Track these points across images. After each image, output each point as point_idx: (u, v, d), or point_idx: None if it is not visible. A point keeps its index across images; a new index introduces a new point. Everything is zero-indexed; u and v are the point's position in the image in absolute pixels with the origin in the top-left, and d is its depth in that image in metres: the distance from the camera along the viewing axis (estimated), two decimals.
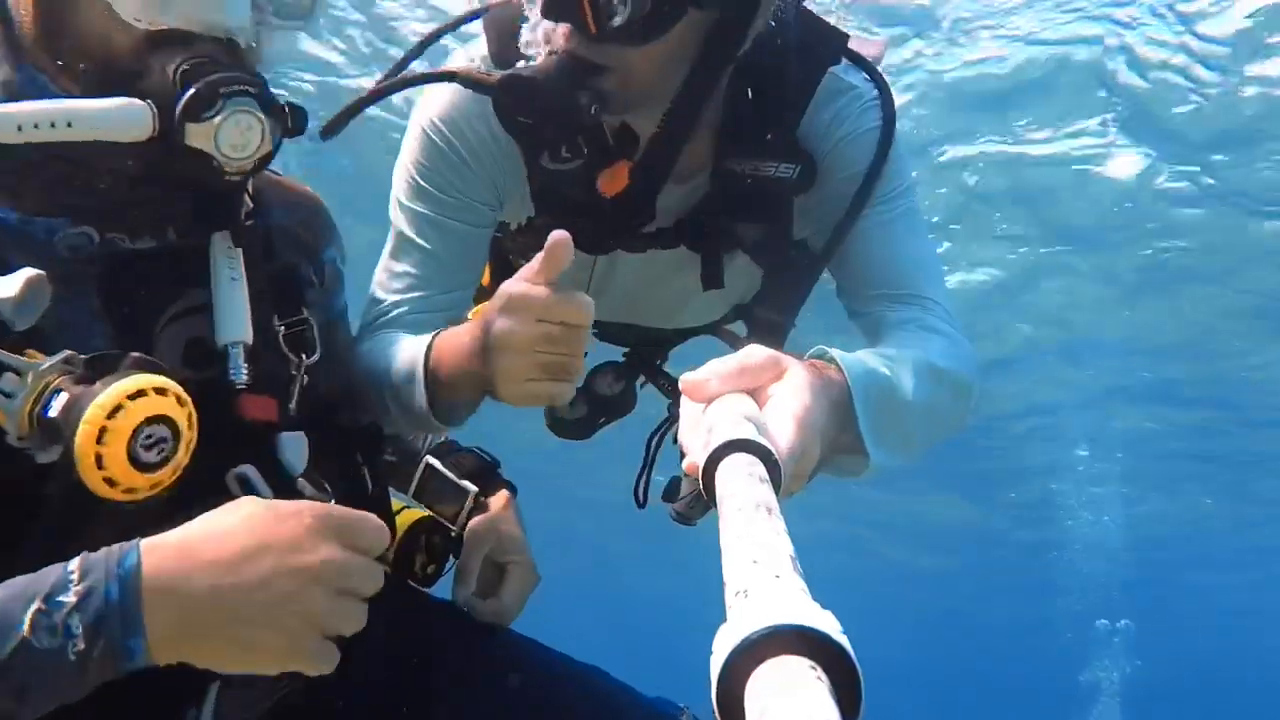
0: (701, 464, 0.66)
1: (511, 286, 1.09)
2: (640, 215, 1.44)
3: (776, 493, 0.60)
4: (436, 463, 1.60)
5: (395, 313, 1.47)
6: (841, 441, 1.02)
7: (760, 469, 0.62)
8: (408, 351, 1.32)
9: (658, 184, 1.40)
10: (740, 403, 0.78)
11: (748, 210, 1.50)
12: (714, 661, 0.39)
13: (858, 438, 1.03)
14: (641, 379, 1.97)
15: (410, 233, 1.48)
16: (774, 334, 1.58)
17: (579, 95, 1.24)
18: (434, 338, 1.29)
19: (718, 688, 0.38)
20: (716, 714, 0.39)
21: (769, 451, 0.64)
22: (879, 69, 1.51)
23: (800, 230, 1.55)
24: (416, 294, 1.48)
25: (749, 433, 0.66)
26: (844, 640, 0.38)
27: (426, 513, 1.54)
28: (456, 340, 1.23)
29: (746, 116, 1.43)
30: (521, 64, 1.30)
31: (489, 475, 1.63)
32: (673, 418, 1.86)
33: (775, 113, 1.43)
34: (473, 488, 1.59)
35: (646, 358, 1.94)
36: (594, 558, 17.55)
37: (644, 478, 1.94)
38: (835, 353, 1.05)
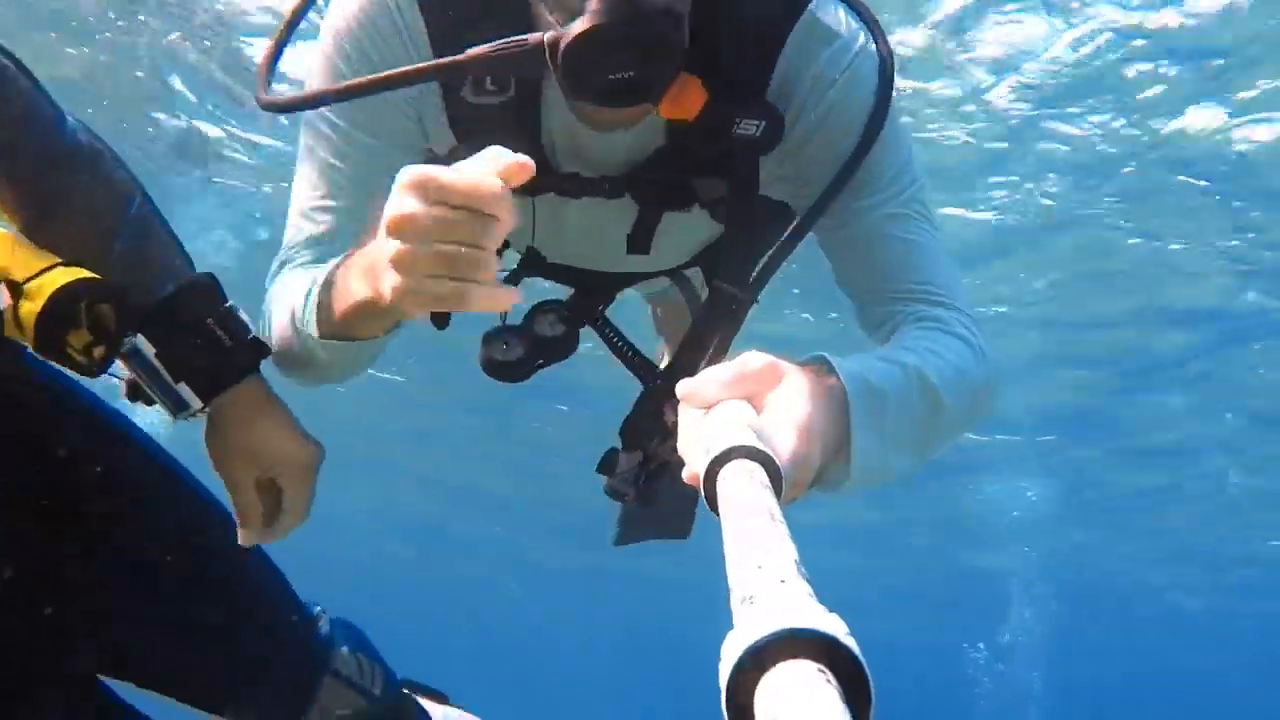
0: (703, 471, 0.66)
1: (410, 167, 0.91)
2: (695, 153, 1.30)
3: (778, 499, 0.60)
4: (145, 349, 1.31)
5: (307, 249, 1.34)
6: (841, 450, 0.99)
7: (762, 475, 0.62)
8: (304, 281, 1.22)
9: (737, 107, 1.25)
10: (739, 409, 0.78)
11: (703, 165, 1.36)
12: (722, 668, 0.39)
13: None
14: (584, 323, 1.76)
15: (329, 158, 1.33)
16: (730, 309, 1.41)
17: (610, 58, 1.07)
18: (333, 263, 1.17)
19: (727, 694, 0.38)
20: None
21: (770, 458, 0.64)
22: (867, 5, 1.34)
23: (775, 193, 1.43)
24: (332, 224, 1.33)
25: (750, 439, 0.66)
26: (852, 643, 0.38)
27: (84, 273, 1.19)
28: (348, 259, 1.11)
29: (718, 64, 1.25)
30: None
31: (224, 364, 1.33)
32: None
33: (741, 59, 1.28)
34: (195, 401, 1.32)
35: (593, 300, 1.76)
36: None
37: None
38: (834, 359, 1.02)
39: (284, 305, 1.28)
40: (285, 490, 1.36)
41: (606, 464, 1.64)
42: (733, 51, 1.26)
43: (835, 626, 0.38)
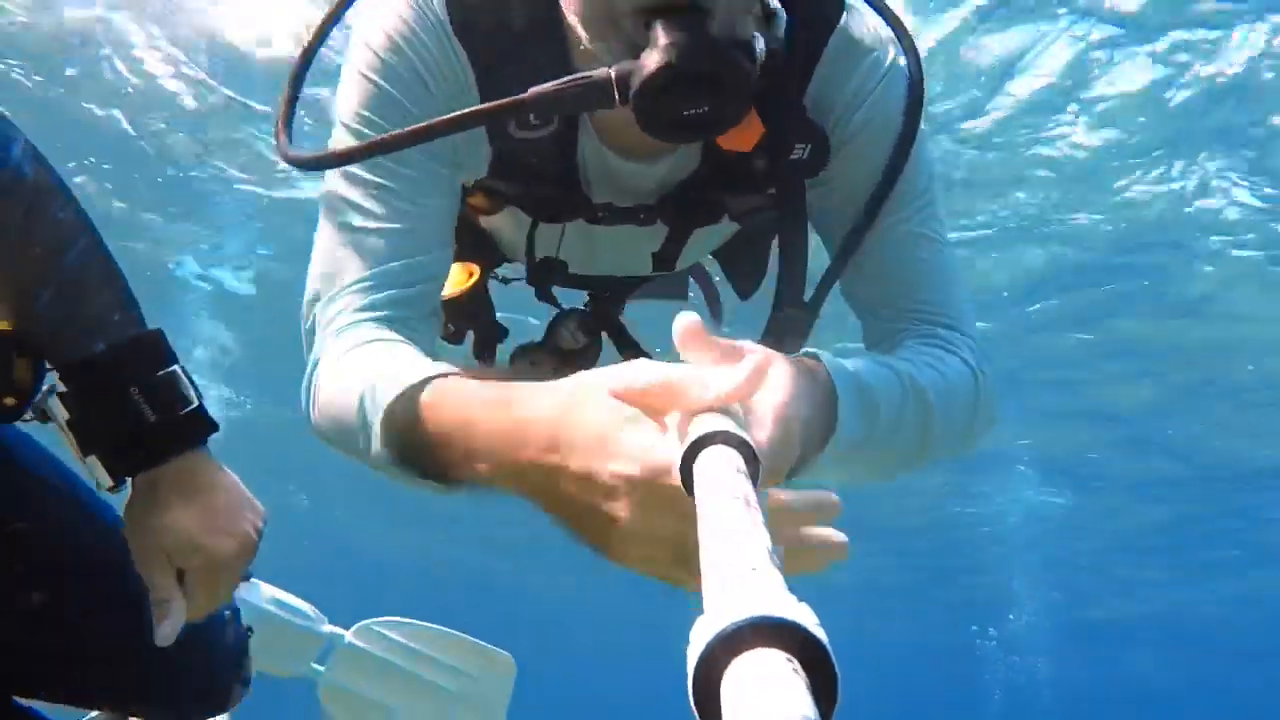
0: (679, 457, 0.66)
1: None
2: (762, 178, 1.27)
3: (755, 485, 0.60)
4: (58, 412, 1.18)
5: (356, 296, 1.17)
6: (825, 442, 0.97)
7: (739, 461, 0.62)
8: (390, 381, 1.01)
9: (789, 135, 1.23)
10: (714, 398, 0.78)
11: (744, 187, 1.33)
12: (690, 654, 0.38)
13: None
14: (604, 330, 1.74)
15: (371, 178, 1.20)
16: (796, 329, 1.35)
17: (673, 104, 1.03)
18: (430, 377, 0.97)
19: (694, 680, 0.38)
20: (693, 707, 0.39)
21: (748, 443, 0.64)
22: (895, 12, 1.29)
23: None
24: (383, 266, 1.19)
25: (727, 425, 0.66)
26: (821, 633, 0.38)
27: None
28: (494, 409, 0.87)
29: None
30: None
31: (140, 442, 1.19)
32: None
33: (778, 79, 1.20)
34: (104, 478, 1.21)
35: (611, 303, 1.75)
36: None
37: None
38: (824, 354, 1.01)
39: (350, 390, 1.07)
40: (188, 584, 1.24)
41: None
42: (779, 70, 1.19)
43: (805, 616, 0.38)
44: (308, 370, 1.19)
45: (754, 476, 0.62)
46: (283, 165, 1.33)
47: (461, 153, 1.28)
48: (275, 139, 1.21)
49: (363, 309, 1.17)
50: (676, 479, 0.66)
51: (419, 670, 2.46)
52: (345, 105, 1.22)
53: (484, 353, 1.72)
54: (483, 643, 2.55)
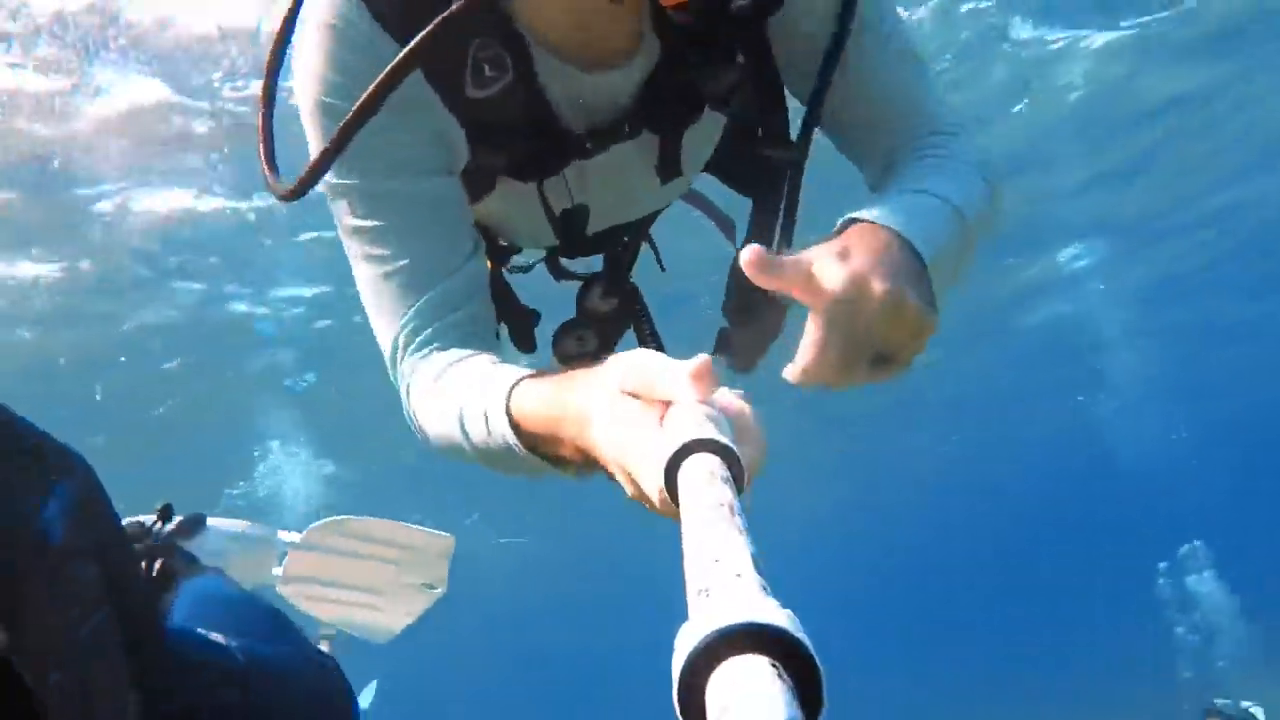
0: (663, 465, 0.66)
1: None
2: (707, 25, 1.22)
3: (739, 492, 0.60)
4: None
5: (416, 342, 1.21)
6: (912, 262, 1.03)
7: (722, 469, 0.62)
8: (480, 415, 1.06)
9: None
10: (697, 406, 0.78)
11: (712, 56, 1.31)
12: (675, 660, 0.38)
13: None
14: (625, 288, 1.74)
15: (364, 224, 1.21)
16: (785, 174, 1.41)
17: None
18: (509, 405, 1.02)
19: (679, 687, 0.38)
20: (678, 713, 0.39)
21: (731, 450, 0.64)
22: None
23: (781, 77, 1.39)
24: (420, 300, 1.21)
25: (710, 433, 0.66)
26: (804, 638, 0.38)
27: None
28: (548, 412, 0.96)
29: None
30: None
31: None
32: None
33: None
34: None
35: (623, 261, 1.75)
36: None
37: None
38: (873, 215, 1.06)
39: (454, 419, 1.13)
40: None
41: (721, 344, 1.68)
42: None
43: (789, 622, 0.38)
44: (407, 414, 1.26)
45: (738, 483, 0.62)
46: None
47: (444, 149, 1.27)
48: (265, 179, 1.23)
49: (425, 343, 1.22)
50: (662, 491, 0.67)
51: (364, 553, 2.66)
52: (311, 145, 1.21)
53: (523, 342, 1.70)
54: (423, 528, 2.74)
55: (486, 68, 1.21)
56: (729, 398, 0.77)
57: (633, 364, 0.82)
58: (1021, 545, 34.50)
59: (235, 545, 2.31)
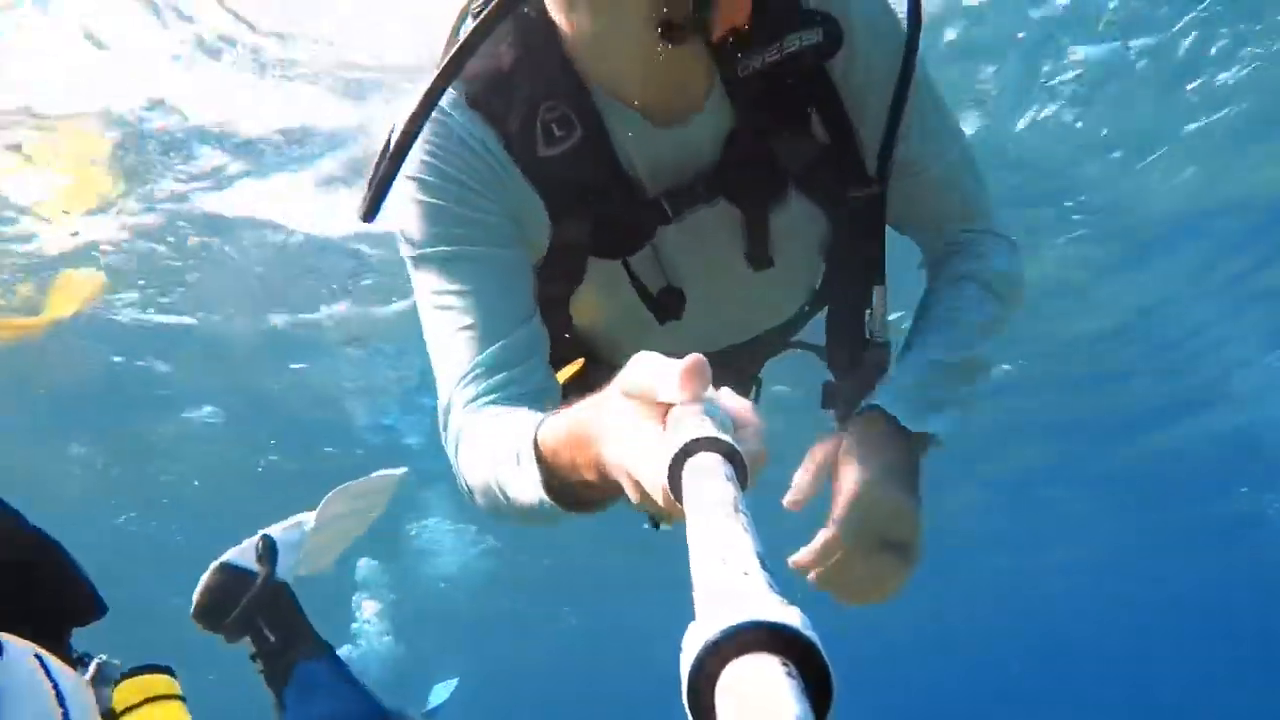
0: (666, 465, 0.66)
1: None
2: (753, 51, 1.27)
3: (743, 489, 0.60)
4: None
5: (468, 398, 1.27)
6: (914, 454, 1.35)
7: (726, 466, 0.62)
8: (512, 454, 1.09)
9: (785, 21, 1.28)
10: (697, 407, 0.78)
11: (785, 109, 1.35)
12: (683, 660, 0.38)
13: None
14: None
15: (441, 285, 1.30)
16: (866, 206, 1.45)
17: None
18: (536, 436, 1.05)
19: (688, 687, 0.38)
20: (688, 713, 0.39)
21: (734, 449, 0.64)
22: None
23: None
24: (477, 358, 1.27)
25: (711, 431, 0.66)
26: (813, 635, 0.38)
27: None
28: (571, 439, 0.98)
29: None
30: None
31: None
32: None
33: None
34: None
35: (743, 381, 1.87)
36: None
37: None
38: (879, 404, 1.35)
39: (490, 462, 1.17)
40: None
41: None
42: None
43: (797, 620, 0.38)
44: (454, 469, 1.29)
45: (742, 481, 0.62)
46: None
47: (519, 225, 1.35)
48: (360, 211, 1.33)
49: (477, 396, 1.26)
50: (665, 492, 0.67)
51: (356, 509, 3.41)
52: (405, 231, 1.33)
53: None
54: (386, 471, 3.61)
55: (555, 127, 1.29)
56: (729, 396, 0.77)
57: (631, 370, 0.82)
58: None
59: (297, 548, 2.89)
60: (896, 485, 1.27)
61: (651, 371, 0.79)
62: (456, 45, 1.19)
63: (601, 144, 1.32)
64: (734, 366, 1.82)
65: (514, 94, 1.29)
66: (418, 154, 1.30)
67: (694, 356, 0.76)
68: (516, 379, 1.28)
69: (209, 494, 10.59)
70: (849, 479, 1.26)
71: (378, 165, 1.26)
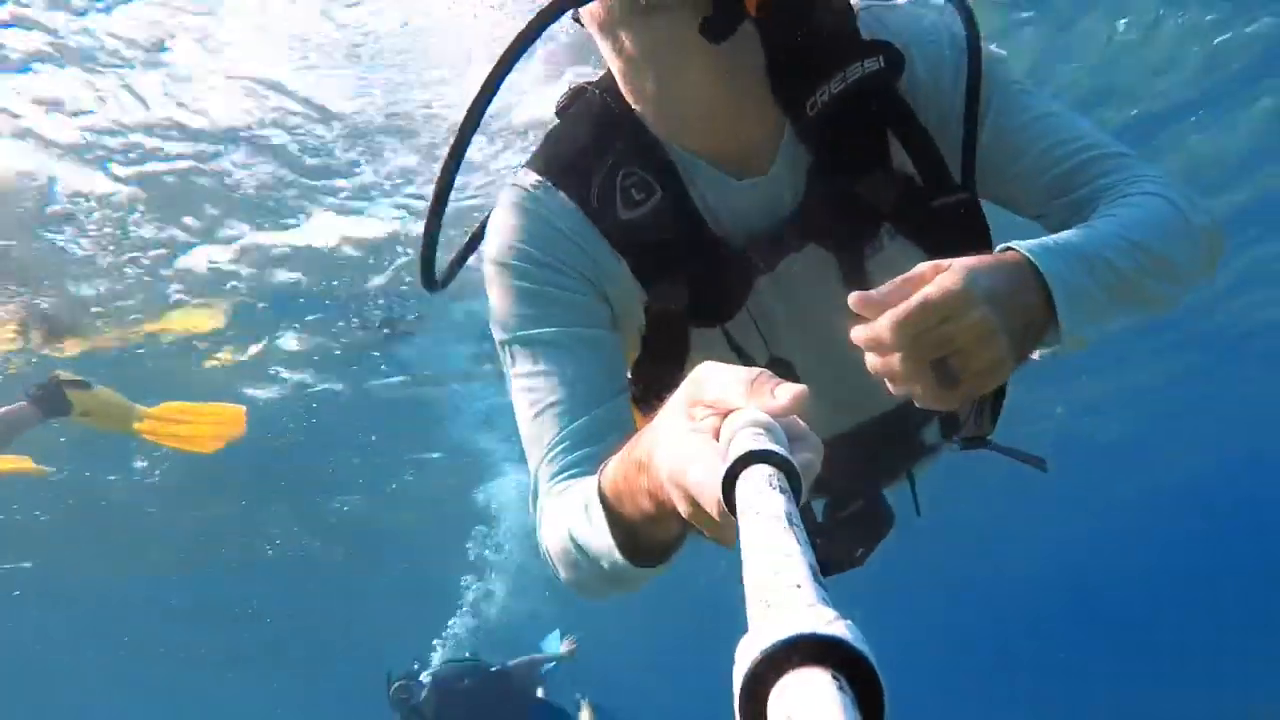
0: (720, 478, 0.66)
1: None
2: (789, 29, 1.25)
3: (797, 503, 0.60)
4: None
5: (554, 471, 1.26)
6: (1031, 308, 1.08)
7: (780, 479, 0.62)
8: (583, 508, 1.10)
9: (841, 50, 1.28)
10: (755, 414, 0.78)
11: (861, 140, 1.33)
12: (736, 672, 0.39)
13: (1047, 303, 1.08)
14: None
15: (528, 367, 1.32)
16: (959, 216, 1.38)
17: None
18: (600, 477, 1.06)
19: (740, 699, 0.38)
20: None
21: (788, 461, 0.64)
22: None
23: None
24: (565, 429, 1.28)
25: (766, 444, 0.66)
26: (866, 648, 0.38)
27: None
28: (630, 475, 0.97)
29: (795, 45, 1.27)
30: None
31: None
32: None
33: (824, 23, 1.28)
34: None
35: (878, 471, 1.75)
36: None
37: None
38: (1016, 243, 1.13)
39: (564, 526, 1.18)
40: None
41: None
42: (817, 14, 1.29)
43: (848, 633, 0.38)
44: (540, 549, 1.28)
45: (795, 493, 0.62)
46: None
47: (607, 294, 1.35)
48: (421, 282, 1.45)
49: (559, 472, 1.26)
50: (720, 504, 0.67)
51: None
52: (495, 316, 1.36)
53: None
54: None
55: (634, 191, 1.31)
56: (782, 408, 0.76)
57: (697, 379, 0.82)
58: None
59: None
60: (996, 309, 1.01)
61: (718, 381, 0.79)
62: (472, 102, 1.27)
63: (682, 201, 1.33)
64: (880, 466, 1.70)
65: (592, 167, 1.33)
66: (507, 240, 1.34)
67: (757, 370, 0.78)
68: (601, 455, 1.22)
69: None
70: (938, 278, 1.02)
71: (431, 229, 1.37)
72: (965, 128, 1.34)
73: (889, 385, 1.05)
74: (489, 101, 1.28)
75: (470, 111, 1.28)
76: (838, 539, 1.71)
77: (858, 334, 1.01)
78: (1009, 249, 1.12)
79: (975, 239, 1.38)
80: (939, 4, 1.37)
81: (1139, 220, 1.23)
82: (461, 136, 1.30)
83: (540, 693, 7.29)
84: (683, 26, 1.19)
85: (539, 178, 1.35)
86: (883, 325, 0.99)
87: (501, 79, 1.26)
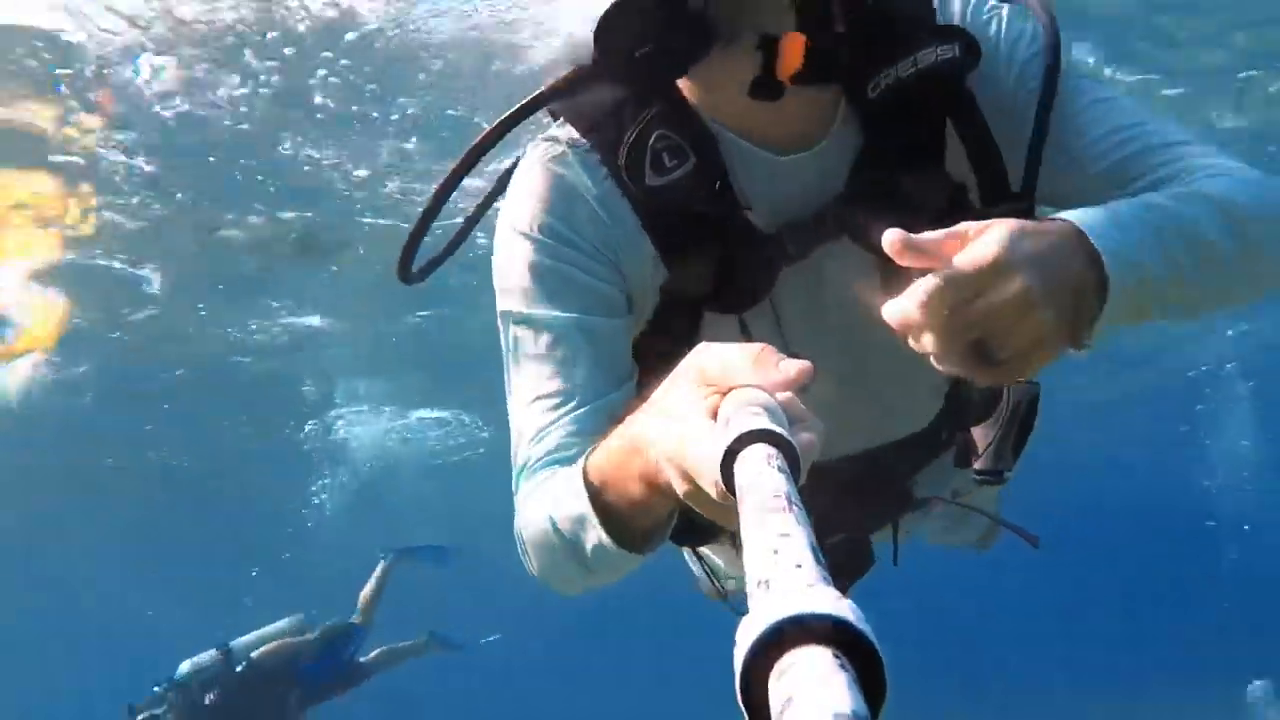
0: (719, 457, 0.66)
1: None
2: (822, 73, 1.16)
3: (796, 483, 0.60)
4: None
5: (543, 456, 1.22)
6: (1081, 276, 0.96)
7: (779, 459, 0.62)
8: (566, 492, 1.08)
9: (838, 39, 1.19)
10: (755, 394, 0.78)
11: (920, 130, 1.26)
12: (736, 653, 0.39)
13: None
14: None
15: (532, 349, 1.27)
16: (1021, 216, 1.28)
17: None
18: (585, 460, 1.05)
19: (741, 679, 0.38)
20: (741, 706, 0.39)
21: (787, 441, 0.64)
22: None
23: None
24: (565, 413, 1.23)
25: (765, 423, 0.66)
26: (866, 627, 0.38)
27: None
28: (620, 455, 0.97)
29: (870, 18, 1.20)
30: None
31: None
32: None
33: (902, 2, 1.23)
34: None
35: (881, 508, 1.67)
36: None
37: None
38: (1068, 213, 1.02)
39: (543, 513, 1.15)
40: None
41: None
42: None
43: (849, 612, 0.38)
44: (516, 536, 1.24)
45: (795, 473, 0.62)
46: None
47: (626, 273, 1.30)
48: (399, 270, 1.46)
49: (545, 459, 1.21)
50: (719, 483, 0.67)
51: None
52: (504, 281, 1.31)
53: None
54: None
55: (666, 156, 1.22)
56: (782, 381, 0.76)
57: (697, 356, 0.82)
58: None
59: None
60: (1039, 276, 0.91)
61: (720, 358, 0.78)
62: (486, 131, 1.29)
63: (715, 171, 1.25)
64: (881, 501, 1.63)
65: (624, 125, 1.25)
66: (531, 207, 1.28)
67: (760, 345, 0.78)
68: (584, 438, 1.21)
69: None
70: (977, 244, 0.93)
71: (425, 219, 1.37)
72: (1035, 130, 1.23)
73: (932, 361, 0.96)
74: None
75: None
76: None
77: (889, 310, 0.93)
78: (1069, 222, 1.00)
79: None
80: None
81: (1220, 188, 1.13)
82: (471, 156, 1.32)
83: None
84: None
85: (573, 134, 1.28)
86: (910, 303, 0.91)
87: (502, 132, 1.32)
